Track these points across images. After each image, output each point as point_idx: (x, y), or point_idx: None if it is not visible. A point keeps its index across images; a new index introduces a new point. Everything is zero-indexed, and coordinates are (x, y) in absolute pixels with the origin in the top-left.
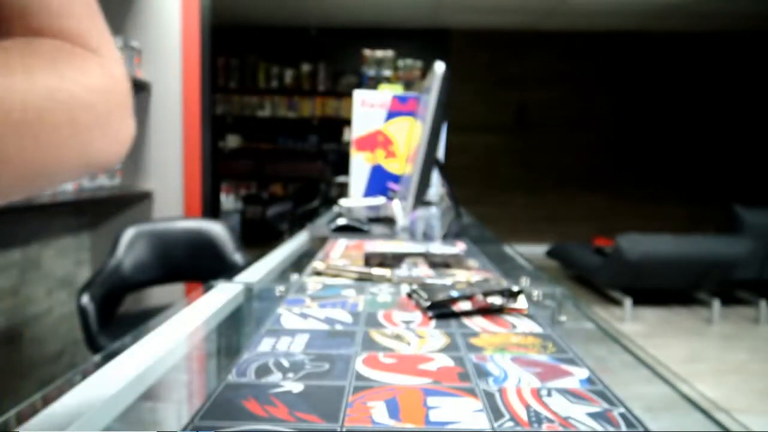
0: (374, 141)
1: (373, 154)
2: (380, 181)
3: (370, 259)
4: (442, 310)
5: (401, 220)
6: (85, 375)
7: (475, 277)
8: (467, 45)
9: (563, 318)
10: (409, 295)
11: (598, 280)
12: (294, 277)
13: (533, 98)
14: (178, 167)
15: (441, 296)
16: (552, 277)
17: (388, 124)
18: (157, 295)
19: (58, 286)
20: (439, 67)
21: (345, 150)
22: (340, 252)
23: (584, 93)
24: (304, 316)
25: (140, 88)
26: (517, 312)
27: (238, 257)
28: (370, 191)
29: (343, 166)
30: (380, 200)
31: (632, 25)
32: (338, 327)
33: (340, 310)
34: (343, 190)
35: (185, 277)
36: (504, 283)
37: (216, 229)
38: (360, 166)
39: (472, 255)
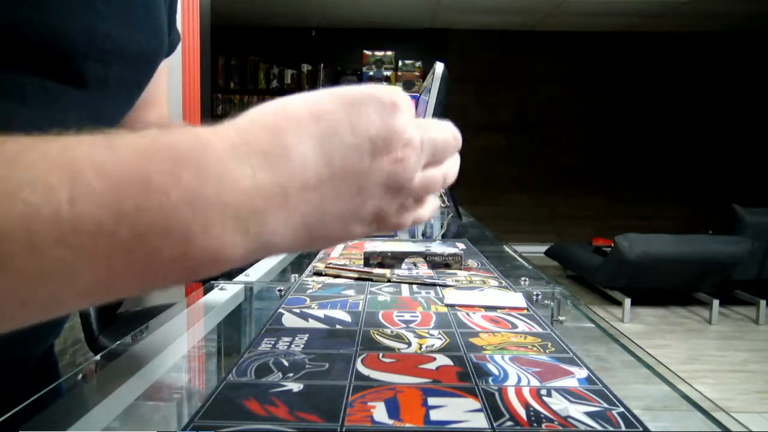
0: None
1: None
2: None
3: (369, 259)
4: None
5: None
6: (85, 375)
7: (475, 276)
8: (467, 45)
9: (563, 318)
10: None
11: (597, 279)
12: (294, 277)
13: (533, 98)
14: None
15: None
16: (551, 277)
17: None
18: (157, 295)
19: None
20: (439, 67)
21: None
22: (340, 252)
23: (584, 93)
24: (304, 315)
25: None
26: (517, 311)
27: None
28: None
29: None
30: None
31: (632, 25)
32: (338, 327)
33: (340, 310)
34: None
35: None
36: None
37: None
38: None
39: (471, 255)
